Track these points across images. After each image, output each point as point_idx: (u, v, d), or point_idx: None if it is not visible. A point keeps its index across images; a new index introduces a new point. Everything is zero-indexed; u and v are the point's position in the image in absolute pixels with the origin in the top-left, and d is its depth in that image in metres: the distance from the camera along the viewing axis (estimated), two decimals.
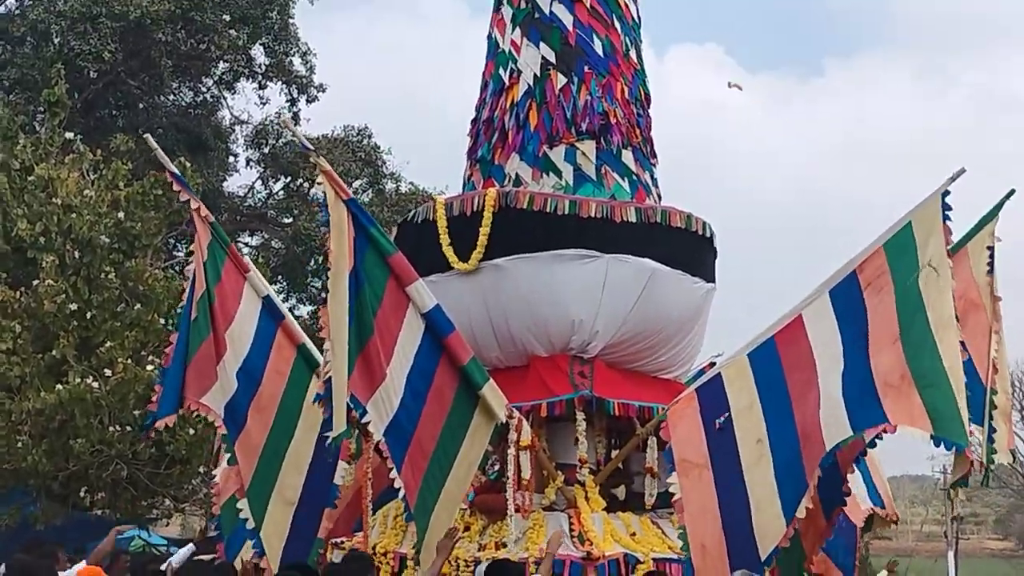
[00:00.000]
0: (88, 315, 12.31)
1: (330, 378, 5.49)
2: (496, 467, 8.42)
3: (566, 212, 8.33)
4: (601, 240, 8.30)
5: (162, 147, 7.10)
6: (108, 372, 11.86)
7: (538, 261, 8.27)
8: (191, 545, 8.22)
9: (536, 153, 8.95)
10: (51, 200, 12.79)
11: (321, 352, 5.96)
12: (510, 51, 9.29)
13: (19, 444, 11.59)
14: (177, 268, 17.20)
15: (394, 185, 23.67)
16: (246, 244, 23.89)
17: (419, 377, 5.87)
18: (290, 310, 11.12)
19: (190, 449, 12.16)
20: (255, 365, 6.64)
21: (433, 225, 8.66)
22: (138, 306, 12.69)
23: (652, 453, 8.14)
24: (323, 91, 23.44)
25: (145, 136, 7.12)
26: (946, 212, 5.45)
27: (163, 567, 7.33)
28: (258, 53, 22.75)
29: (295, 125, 17.84)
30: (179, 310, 8.08)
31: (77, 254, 12.61)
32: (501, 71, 9.33)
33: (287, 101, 23.28)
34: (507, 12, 9.44)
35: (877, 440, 5.40)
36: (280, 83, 23.08)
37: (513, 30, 9.32)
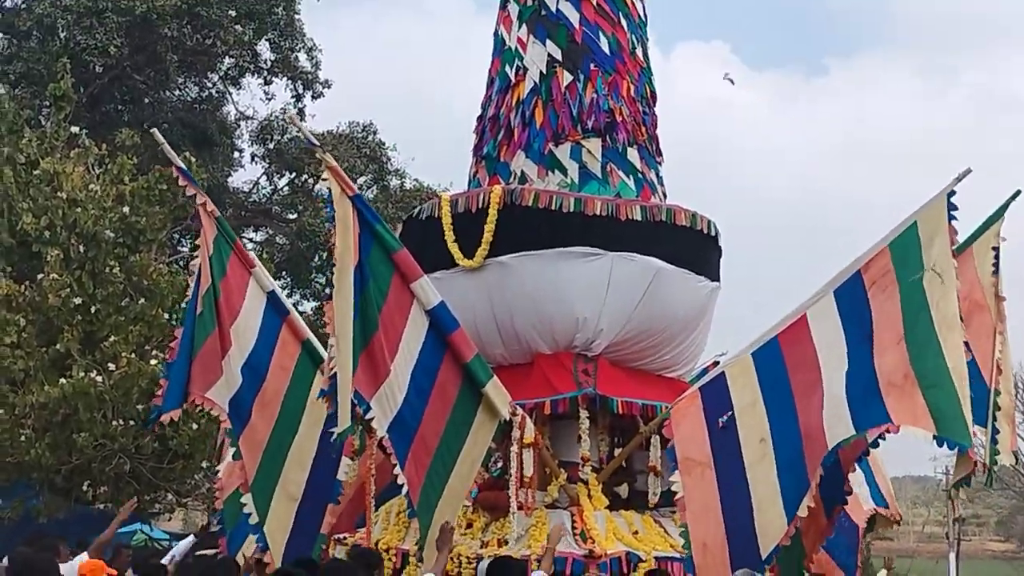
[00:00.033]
0: (92, 309, 12.33)
1: (335, 374, 5.49)
2: (499, 464, 8.42)
3: (571, 210, 8.33)
4: (606, 238, 8.30)
5: (167, 142, 7.10)
6: (112, 366, 11.88)
7: (543, 258, 8.27)
8: (192, 537, 8.25)
9: (542, 151, 8.95)
10: (56, 194, 12.81)
11: (325, 348, 5.97)
12: (516, 48, 9.28)
13: (22, 438, 11.62)
14: (181, 263, 17.21)
15: (399, 182, 23.67)
16: (250, 240, 23.89)
17: (423, 374, 5.87)
18: (294, 306, 11.15)
19: (193, 444, 12.18)
20: (260, 360, 6.65)
21: (438, 222, 8.66)
22: (142, 301, 12.72)
23: (655, 451, 8.13)
24: (328, 87, 23.46)
25: (152, 131, 7.13)
26: (951, 212, 5.45)
27: (164, 560, 7.35)
28: (264, 49, 22.77)
29: (300, 121, 17.82)
30: (184, 305, 8.11)
31: (82, 248, 12.63)
32: (507, 68, 9.33)
33: (292, 97, 23.31)
34: (514, 9, 9.44)
35: (880, 440, 5.40)
36: (285, 79, 23.08)
37: (520, 27, 9.32)
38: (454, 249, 8.45)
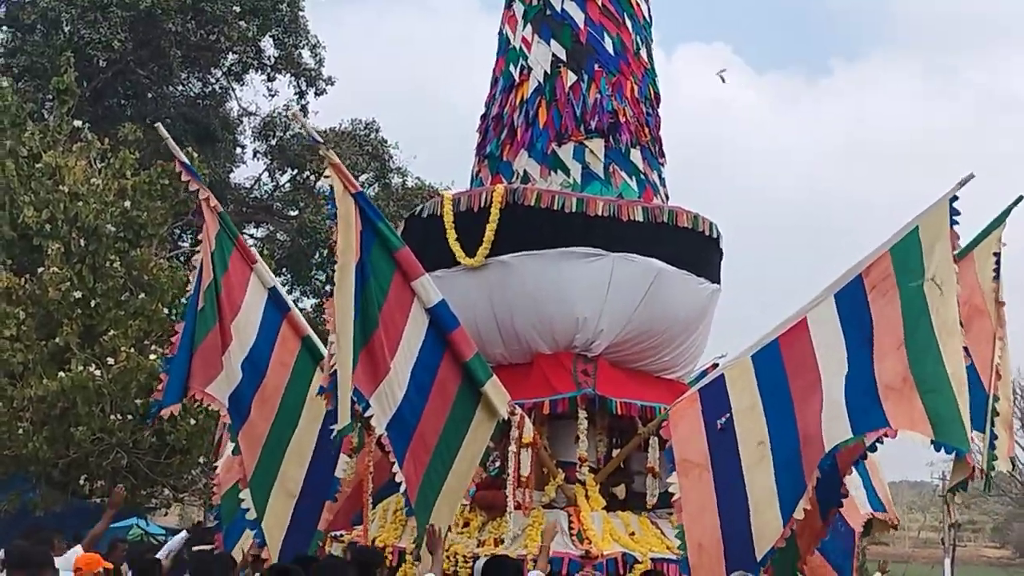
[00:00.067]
0: (92, 303, 12.33)
1: (335, 371, 5.50)
2: (497, 463, 8.43)
3: (573, 210, 8.34)
4: (608, 239, 8.31)
5: (170, 137, 7.09)
6: (111, 360, 11.88)
7: (544, 258, 8.28)
8: (184, 532, 8.25)
9: (545, 150, 8.96)
10: (58, 188, 12.81)
11: (325, 345, 5.97)
12: (521, 48, 9.29)
13: (20, 431, 11.62)
14: (182, 258, 17.21)
15: (400, 180, 23.67)
16: (251, 236, 23.87)
17: (423, 371, 5.87)
18: (294, 303, 11.15)
19: (190, 439, 12.18)
20: (260, 356, 6.65)
21: (440, 220, 8.67)
22: (142, 295, 12.72)
23: (653, 453, 8.15)
24: (331, 84, 23.44)
25: (156, 125, 7.12)
26: (953, 218, 5.45)
27: (159, 555, 7.35)
28: (267, 45, 22.75)
29: (303, 118, 17.82)
30: (184, 300, 8.10)
31: (83, 242, 12.62)
32: (512, 68, 9.34)
33: (295, 94, 23.30)
34: (519, 9, 9.45)
35: (878, 444, 5.40)
36: (289, 75, 23.08)
37: (524, 27, 9.33)
38: (456, 248, 8.45)
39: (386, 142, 23.62)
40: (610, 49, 9.18)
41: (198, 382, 6.66)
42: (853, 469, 5.91)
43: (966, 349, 5.42)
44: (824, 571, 7.98)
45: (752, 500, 5.73)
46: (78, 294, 12.20)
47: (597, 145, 8.95)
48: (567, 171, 8.90)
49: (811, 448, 5.47)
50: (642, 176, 9.08)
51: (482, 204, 8.51)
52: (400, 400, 5.79)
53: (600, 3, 9.23)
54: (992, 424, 6.39)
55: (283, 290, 7.42)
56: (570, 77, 9.06)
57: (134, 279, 12.85)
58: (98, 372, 11.71)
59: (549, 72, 9.11)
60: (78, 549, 6.75)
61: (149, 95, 22.22)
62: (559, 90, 9.04)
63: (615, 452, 8.74)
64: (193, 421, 11.92)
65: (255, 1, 21.40)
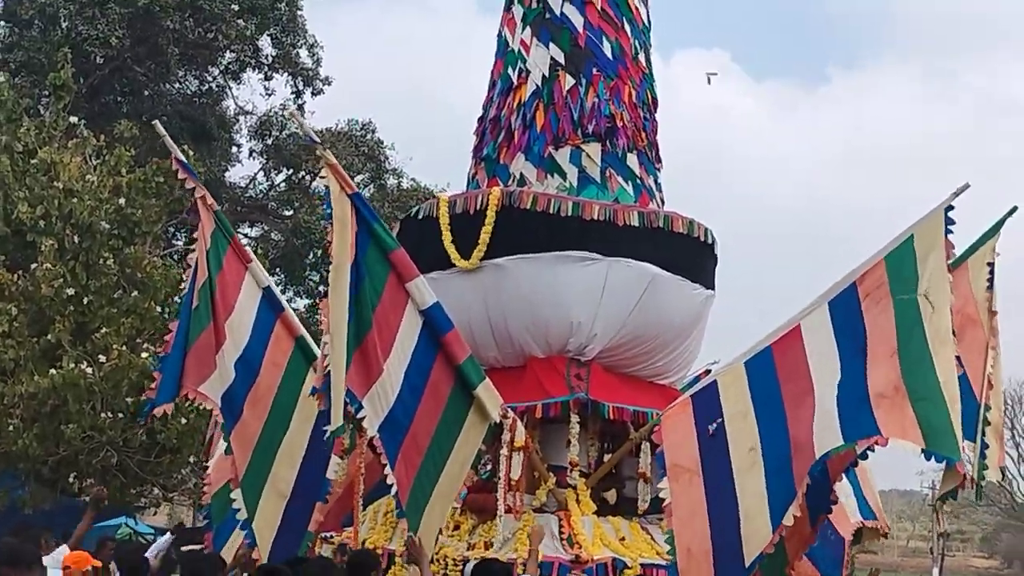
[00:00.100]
0: (85, 300, 12.29)
1: (329, 372, 5.48)
2: (488, 466, 8.43)
3: (569, 214, 8.35)
4: (603, 243, 8.31)
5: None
6: (102, 358, 11.84)
7: (540, 262, 8.28)
8: (169, 535, 8.23)
9: (541, 154, 8.97)
10: (53, 184, 12.77)
11: (319, 345, 5.96)
12: (519, 50, 9.31)
13: (10, 427, 11.56)
14: (176, 256, 17.19)
15: (396, 181, 23.69)
16: (246, 235, 23.87)
17: (416, 373, 5.86)
18: (287, 303, 11.14)
19: (181, 438, 12.15)
20: (253, 356, 6.62)
21: (436, 222, 8.67)
22: (135, 293, 12.68)
23: (645, 458, 8.15)
24: (328, 84, 23.46)
25: (153, 123, 7.09)
26: (948, 227, 5.46)
27: (147, 554, 7.33)
28: (265, 44, 22.77)
29: (301, 117, 17.81)
30: (177, 299, 8.08)
31: (76, 239, 12.59)
32: (510, 70, 9.35)
33: (292, 93, 23.31)
34: (518, 11, 9.46)
35: (869, 452, 5.40)
36: (286, 75, 23.09)
37: (523, 29, 9.35)
38: (451, 249, 8.45)
39: (382, 143, 23.66)
40: (608, 53, 9.20)
41: (191, 381, 6.63)
42: (844, 477, 5.91)
43: (958, 358, 5.42)
44: None
45: (743, 506, 5.72)
46: (71, 291, 12.16)
47: (594, 149, 8.96)
48: (563, 175, 8.91)
49: (802, 455, 5.47)
50: (638, 181, 9.10)
51: (478, 206, 8.51)
52: (393, 402, 5.77)
53: (599, 7, 9.25)
54: (983, 434, 6.39)
55: (277, 290, 7.40)
56: (568, 81, 9.07)
57: (127, 277, 12.82)
58: (90, 370, 11.67)
59: (547, 75, 9.13)
60: (64, 548, 6.73)
61: (146, 92, 22.20)
62: (557, 93, 9.06)
63: (607, 457, 8.75)
64: (184, 420, 11.89)
65: (253, 0, 21.41)
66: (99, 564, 6.76)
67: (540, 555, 6.67)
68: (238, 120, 24.30)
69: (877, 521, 8.78)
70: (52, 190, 12.70)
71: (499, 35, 9.71)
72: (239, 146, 24.37)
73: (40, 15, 20.08)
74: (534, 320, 8.33)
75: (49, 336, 12.00)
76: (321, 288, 22.00)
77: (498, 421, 6.16)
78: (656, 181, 9.37)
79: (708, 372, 7.63)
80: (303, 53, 22.91)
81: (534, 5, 9.36)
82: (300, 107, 22.99)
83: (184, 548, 7.41)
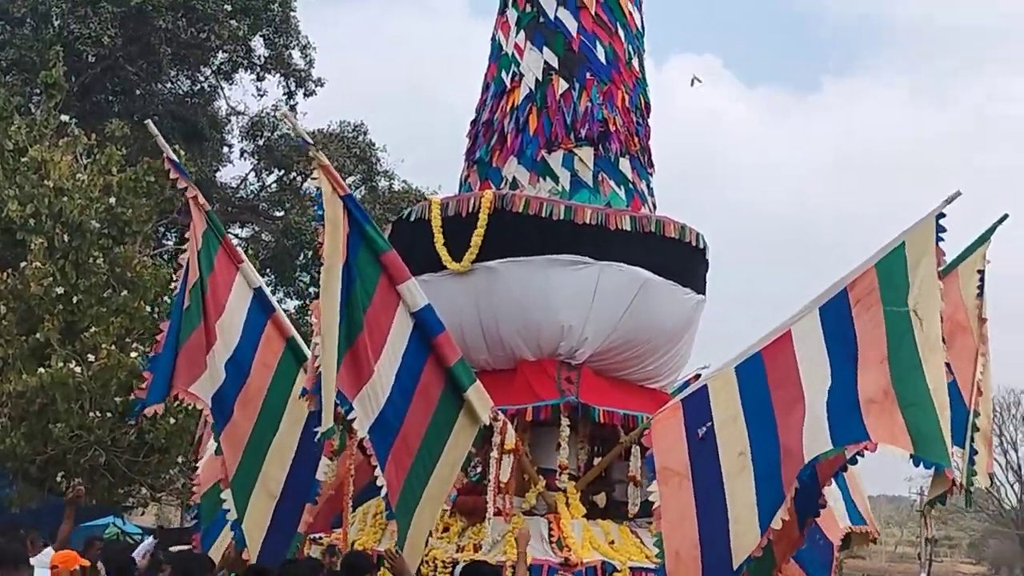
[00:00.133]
0: (74, 299, 12.25)
1: (319, 373, 5.47)
2: (478, 469, 8.42)
3: (561, 217, 8.36)
4: (595, 247, 8.33)
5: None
6: (91, 357, 11.80)
7: (531, 265, 8.29)
8: (151, 538, 8.19)
9: (534, 157, 8.99)
10: (43, 182, 12.73)
11: (309, 346, 5.95)
12: (513, 54, 9.32)
13: None
14: (166, 256, 17.13)
15: (387, 183, 23.68)
16: (236, 236, 23.79)
17: (407, 375, 5.85)
18: (278, 304, 11.12)
19: (169, 438, 12.11)
20: (244, 356, 6.61)
21: (427, 224, 8.67)
22: (124, 292, 12.64)
23: (635, 462, 8.16)
24: (321, 85, 23.46)
25: (146, 122, 7.08)
26: (939, 234, 5.48)
27: (134, 555, 7.30)
28: (258, 44, 22.74)
29: (293, 118, 17.81)
30: (167, 298, 8.06)
31: (66, 237, 12.55)
32: (503, 74, 9.36)
33: (284, 94, 23.30)
34: (512, 15, 9.47)
35: (858, 457, 5.41)
36: (278, 75, 23.06)
37: (517, 33, 9.36)
38: (443, 252, 8.46)
39: (374, 145, 23.65)
40: (602, 58, 9.22)
41: (182, 381, 6.61)
42: (833, 482, 5.93)
43: (948, 365, 5.44)
44: None
45: (732, 510, 5.73)
46: (60, 290, 12.12)
47: (586, 153, 8.98)
48: (556, 178, 8.92)
49: (791, 460, 5.48)
50: (630, 185, 9.12)
51: (470, 209, 8.52)
52: (383, 403, 5.76)
53: (593, 12, 9.27)
54: (972, 440, 6.41)
55: (268, 291, 7.39)
56: (561, 85, 9.09)
57: (117, 276, 12.78)
58: (78, 369, 11.63)
59: (540, 79, 9.14)
60: (49, 550, 6.70)
61: (137, 92, 22.14)
62: (550, 97, 9.07)
63: (596, 460, 8.75)
64: (172, 420, 11.86)
65: (246, 1, 21.37)
66: (87, 563, 6.74)
67: (529, 558, 6.66)
68: (230, 120, 24.28)
69: (867, 526, 8.80)
70: (42, 188, 12.65)
71: (493, 38, 9.72)
72: (230, 146, 24.34)
73: (32, 13, 20.02)
74: (525, 323, 8.33)
75: (38, 335, 11.96)
76: (312, 289, 21.99)
77: (488, 424, 6.16)
78: (648, 186, 9.39)
79: (698, 377, 7.64)
80: (296, 54, 22.91)
81: (528, 9, 9.38)
82: (292, 108, 22.97)
83: (174, 548, 7.37)
